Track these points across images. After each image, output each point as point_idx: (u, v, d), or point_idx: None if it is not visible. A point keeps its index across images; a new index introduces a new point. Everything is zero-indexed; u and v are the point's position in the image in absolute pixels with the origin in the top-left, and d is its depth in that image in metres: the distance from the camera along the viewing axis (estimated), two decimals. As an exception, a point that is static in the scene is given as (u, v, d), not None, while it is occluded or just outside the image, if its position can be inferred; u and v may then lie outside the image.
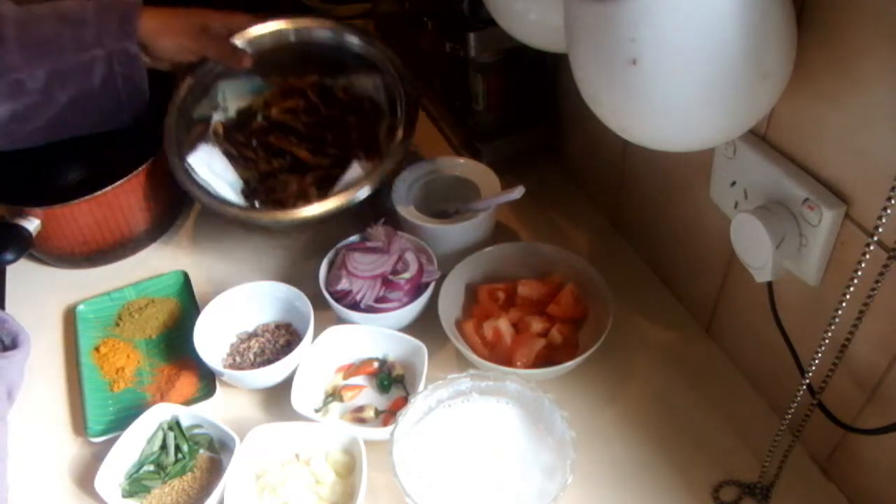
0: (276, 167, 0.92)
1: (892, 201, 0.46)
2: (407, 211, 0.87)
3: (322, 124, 0.93)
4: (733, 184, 0.65)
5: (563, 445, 0.65)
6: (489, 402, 0.70)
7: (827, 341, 0.54)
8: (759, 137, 0.62)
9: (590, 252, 0.93)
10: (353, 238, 0.86)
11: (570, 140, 1.00)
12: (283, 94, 0.94)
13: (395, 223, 0.88)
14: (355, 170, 0.85)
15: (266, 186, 0.90)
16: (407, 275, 0.80)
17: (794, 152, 0.59)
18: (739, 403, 0.75)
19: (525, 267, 0.85)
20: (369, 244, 0.83)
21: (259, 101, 0.94)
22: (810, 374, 0.57)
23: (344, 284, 0.80)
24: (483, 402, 0.70)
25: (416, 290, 0.81)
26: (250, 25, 0.89)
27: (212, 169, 0.88)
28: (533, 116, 1.03)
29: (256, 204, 0.88)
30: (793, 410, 0.59)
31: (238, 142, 0.92)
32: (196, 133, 0.90)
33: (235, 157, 0.91)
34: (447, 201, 0.92)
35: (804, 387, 0.58)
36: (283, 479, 0.68)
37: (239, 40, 0.88)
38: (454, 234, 0.86)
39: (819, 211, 0.56)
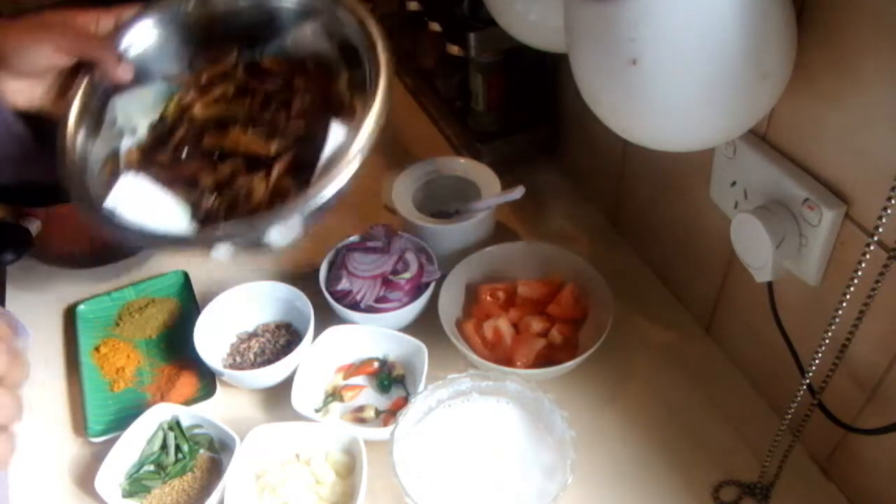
0: (226, 174, 0.68)
1: (892, 201, 0.46)
2: (407, 211, 0.87)
3: (264, 103, 0.71)
4: (733, 184, 0.65)
5: (563, 445, 0.65)
6: (489, 402, 0.70)
7: (827, 341, 0.54)
8: (759, 137, 0.62)
9: (590, 252, 0.93)
10: (353, 238, 0.86)
11: (570, 140, 1.00)
12: (201, 88, 0.72)
13: (395, 223, 0.88)
14: (337, 132, 0.65)
15: (224, 204, 0.67)
16: (407, 275, 0.80)
17: (794, 152, 0.59)
18: (739, 403, 0.75)
19: (525, 267, 0.85)
20: (369, 244, 0.83)
21: (172, 105, 0.72)
22: (810, 374, 0.57)
23: (344, 284, 0.80)
24: (483, 402, 0.70)
25: (417, 290, 0.81)
26: (132, 15, 0.70)
27: (144, 201, 0.66)
28: (533, 116, 1.03)
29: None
30: (793, 410, 0.59)
31: (163, 164, 0.69)
32: (105, 174, 0.68)
33: (168, 183, 0.67)
34: (447, 201, 0.92)
35: (804, 387, 0.58)
36: (283, 479, 0.68)
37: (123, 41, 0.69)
38: (454, 234, 0.86)
39: (819, 211, 0.56)
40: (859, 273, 0.50)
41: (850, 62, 0.51)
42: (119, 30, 0.69)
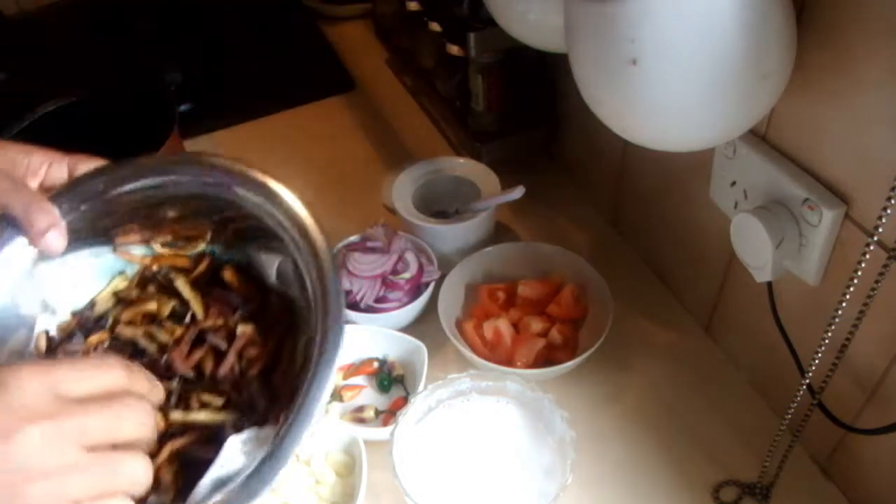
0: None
1: (892, 201, 0.46)
2: (407, 211, 0.87)
3: (199, 341, 0.58)
4: (733, 184, 0.65)
5: (563, 445, 0.65)
6: (489, 402, 0.70)
7: (827, 341, 0.54)
8: (759, 137, 0.62)
9: (590, 252, 0.93)
10: (353, 238, 0.86)
11: (570, 140, 1.00)
12: (145, 280, 0.62)
13: (395, 223, 0.88)
14: (233, 450, 0.51)
15: None
16: (407, 275, 0.80)
17: (794, 152, 0.59)
18: (739, 403, 0.75)
19: (525, 267, 0.85)
20: (369, 244, 0.83)
21: (107, 295, 0.61)
22: (810, 374, 0.57)
23: (344, 284, 0.80)
24: (483, 402, 0.70)
25: (416, 290, 0.81)
26: (82, 168, 0.58)
27: None
28: (533, 116, 1.03)
29: None
30: (793, 410, 0.59)
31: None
32: (4, 355, 0.56)
33: None
34: (447, 201, 0.92)
35: (804, 387, 0.58)
36: (282, 478, 0.68)
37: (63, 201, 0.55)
38: (454, 234, 0.86)
39: (819, 211, 0.56)
40: (859, 273, 0.50)
41: (850, 62, 0.51)
42: (69, 185, 0.56)
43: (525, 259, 0.85)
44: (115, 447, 0.42)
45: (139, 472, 0.42)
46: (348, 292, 0.80)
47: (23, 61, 1.31)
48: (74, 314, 0.60)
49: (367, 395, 0.78)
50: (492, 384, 0.70)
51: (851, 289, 0.51)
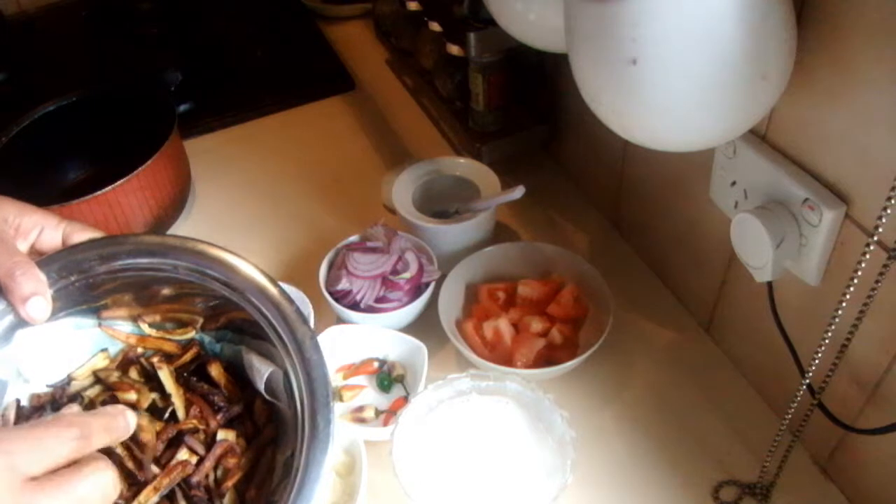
0: None
1: (892, 201, 0.46)
2: (407, 211, 0.87)
3: (175, 443, 0.56)
4: (733, 184, 0.65)
5: (563, 445, 0.65)
6: (489, 402, 0.70)
7: (827, 341, 0.54)
8: (759, 137, 0.62)
9: (590, 252, 0.93)
10: (353, 238, 0.86)
11: (570, 140, 1.00)
12: (125, 364, 0.60)
13: (395, 223, 0.88)
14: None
15: None
16: (407, 275, 0.80)
17: (794, 152, 0.59)
18: (739, 403, 0.75)
19: (525, 267, 0.85)
20: (369, 244, 0.83)
21: (86, 372, 0.59)
22: (810, 374, 0.57)
23: (344, 284, 0.80)
24: (483, 402, 0.70)
25: (416, 290, 0.81)
26: (77, 235, 0.55)
27: None
28: (533, 116, 1.03)
29: None
30: (793, 410, 0.59)
31: None
32: None
33: None
34: (447, 201, 0.92)
35: (804, 387, 0.58)
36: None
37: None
38: (454, 234, 0.86)
39: (819, 211, 0.56)
40: (859, 273, 0.50)
41: (850, 62, 0.51)
42: (62, 253, 0.54)
43: (525, 259, 0.85)
44: None
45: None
46: (348, 292, 0.80)
47: (23, 61, 1.31)
48: (50, 387, 0.58)
49: (368, 395, 0.78)
50: (492, 384, 0.70)
51: (851, 289, 0.51)
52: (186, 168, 1.00)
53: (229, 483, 0.55)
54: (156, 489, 0.53)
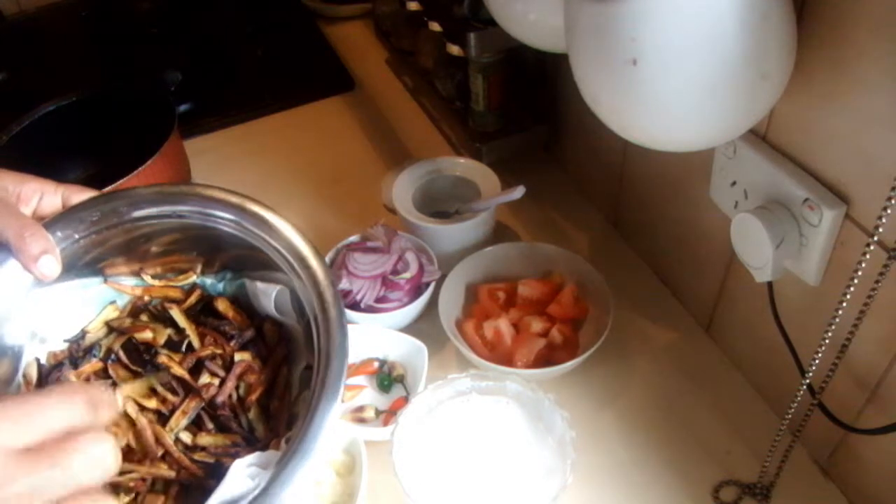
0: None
1: (892, 201, 0.46)
2: (407, 211, 0.87)
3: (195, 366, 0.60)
4: (733, 184, 0.65)
5: (564, 445, 0.65)
6: (489, 402, 0.70)
7: (827, 341, 0.54)
8: (759, 137, 0.62)
9: (590, 252, 0.93)
10: (353, 238, 0.86)
11: (570, 140, 1.00)
12: (137, 310, 0.62)
13: (395, 223, 0.88)
14: (238, 474, 0.51)
15: None
16: (407, 275, 0.80)
17: (794, 152, 0.59)
18: (739, 403, 0.75)
19: (525, 267, 0.85)
20: (369, 244, 0.83)
21: (98, 325, 0.62)
22: (810, 374, 0.57)
23: (344, 284, 0.80)
24: (483, 402, 0.70)
25: (416, 290, 0.81)
26: (76, 198, 0.57)
27: None
28: (533, 116, 1.03)
29: None
30: (793, 410, 0.59)
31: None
32: None
33: None
34: (447, 201, 0.92)
35: (804, 387, 0.58)
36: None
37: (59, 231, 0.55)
38: (454, 234, 0.86)
39: (819, 211, 0.56)
40: (859, 273, 0.50)
41: (850, 62, 0.51)
42: (64, 213, 0.56)
43: (525, 259, 0.85)
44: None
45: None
46: (348, 292, 0.80)
47: (23, 61, 1.31)
48: (66, 342, 0.61)
49: (368, 395, 0.78)
50: (492, 384, 0.70)
51: (851, 289, 0.51)
52: (186, 168, 1.00)
53: (253, 397, 0.58)
54: (184, 412, 0.57)
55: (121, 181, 0.87)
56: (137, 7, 1.37)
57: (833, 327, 0.53)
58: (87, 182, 0.88)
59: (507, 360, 0.75)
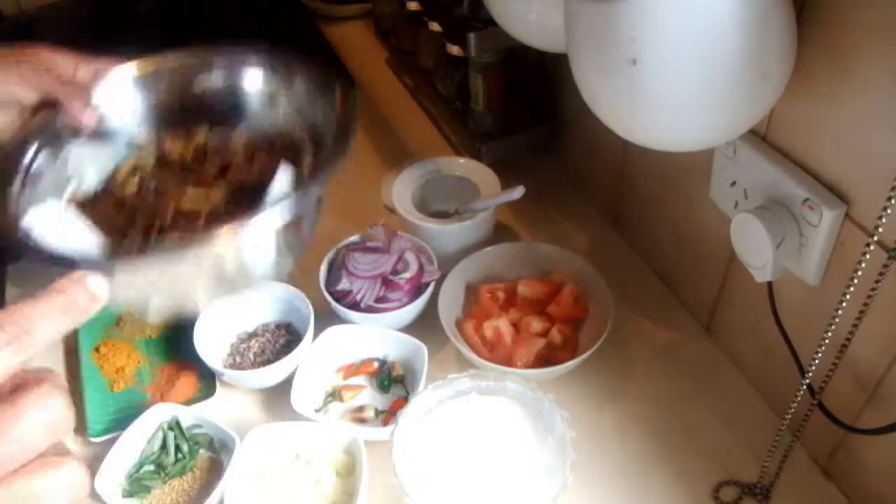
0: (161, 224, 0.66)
1: (892, 201, 0.46)
2: (407, 211, 0.87)
3: (220, 172, 0.68)
4: (733, 184, 0.65)
5: (564, 445, 0.65)
6: (489, 402, 0.70)
7: (827, 341, 0.54)
8: (759, 137, 0.62)
9: (590, 252, 0.93)
10: (353, 238, 0.86)
11: (570, 140, 1.00)
12: (160, 157, 0.71)
13: (395, 223, 0.88)
14: (283, 177, 0.62)
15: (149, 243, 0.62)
16: (407, 275, 0.80)
17: (794, 152, 0.59)
18: (739, 403, 0.75)
19: (525, 267, 0.85)
20: (369, 244, 0.83)
21: (126, 167, 0.70)
22: (810, 374, 0.57)
23: (344, 284, 0.80)
24: (483, 402, 0.70)
25: (416, 290, 0.81)
26: (108, 69, 0.67)
27: (63, 228, 0.61)
28: (533, 116, 1.03)
29: None
30: (793, 410, 0.59)
31: (101, 214, 0.66)
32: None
33: (104, 226, 0.64)
34: (447, 201, 0.92)
35: (804, 387, 0.58)
36: (283, 479, 0.68)
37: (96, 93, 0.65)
38: (454, 234, 0.86)
39: (819, 211, 0.56)
40: (859, 273, 0.50)
41: (850, 62, 0.51)
42: (95, 80, 0.65)
43: (525, 259, 0.85)
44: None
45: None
46: (348, 292, 0.80)
47: (23, 61, 1.30)
48: (100, 183, 0.66)
49: (368, 395, 0.78)
50: (492, 384, 0.70)
51: (851, 289, 0.51)
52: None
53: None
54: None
55: (121, 181, 0.87)
56: (137, 7, 1.37)
57: (833, 327, 0.53)
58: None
59: (506, 360, 0.75)
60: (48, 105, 0.63)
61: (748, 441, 0.72)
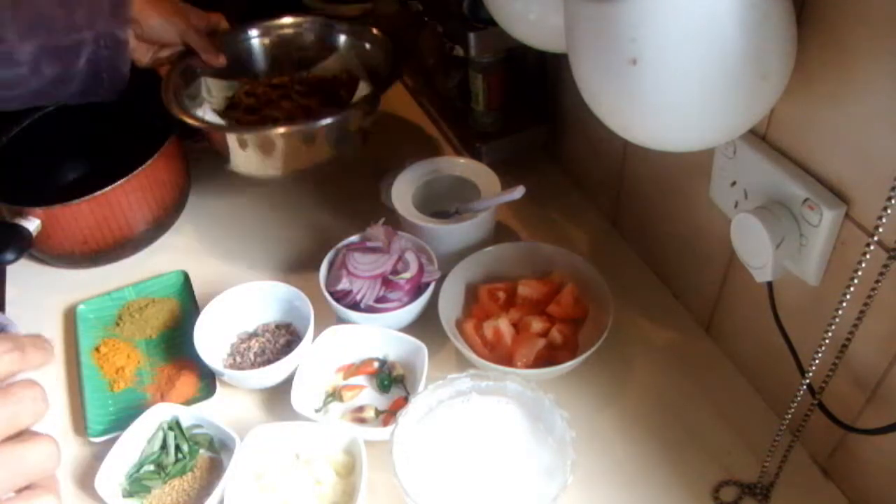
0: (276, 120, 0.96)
1: (892, 201, 0.46)
2: (407, 211, 0.87)
3: (310, 93, 1.00)
4: (733, 184, 0.65)
5: (563, 446, 0.65)
6: (489, 402, 0.70)
7: (827, 341, 0.54)
8: (759, 137, 0.62)
9: (590, 252, 0.93)
10: (353, 238, 0.86)
11: (570, 140, 1.00)
12: (263, 86, 1.01)
13: (395, 223, 0.88)
14: (363, 88, 0.94)
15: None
16: (407, 275, 0.80)
17: (794, 152, 0.59)
18: (739, 403, 0.75)
19: (525, 267, 0.85)
20: (369, 244, 0.83)
21: (241, 91, 1.00)
22: (810, 374, 0.57)
23: (344, 284, 0.80)
24: (483, 402, 0.70)
25: (416, 290, 0.81)
26: (223, 24, 0.96)
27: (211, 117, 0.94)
28: (533, 116, 1.03)
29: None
30: (793, 410, 0.59)
31: (231, 117, 0.96)
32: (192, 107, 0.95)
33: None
34: (447, 201, 0.92)
35: (804, 387, 0.58)
36: (283, 479, 0.68)
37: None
38: (454, 234, 0.86)
39: (819, 211, 0.56)
40: (859, 273, 0.50)
41: (850, 62, 0.51)
42: (218, 33, 0.96)
43: (525, 259, 0.85)
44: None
45: (46, 458, 0.41)
46: (348, 292, 0.80)
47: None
48: (225, 100, 0.99)
49: (368, 395, 0.78)
50: (492, 384, 0.70)
51: (851, 289, 0.51)
52: (186, 169, 1.00)
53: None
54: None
55: (121, 181, 0.87)
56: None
57: (833, 327, 0.53)
58: (87, 182, 0.89)
59: (506, 360, 0.75)
60: (187, 50, 0.93)
61: (748, 441, 0.72)
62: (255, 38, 1.02)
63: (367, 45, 0.99)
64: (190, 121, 0.87)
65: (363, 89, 0.93)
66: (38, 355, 0.44)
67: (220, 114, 0.97)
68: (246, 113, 0.97)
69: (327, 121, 0.84)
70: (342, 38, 1.01)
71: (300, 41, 1.02)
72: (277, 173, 0.89)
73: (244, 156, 0.88)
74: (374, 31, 0.99)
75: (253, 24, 1.02)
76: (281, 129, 0.85)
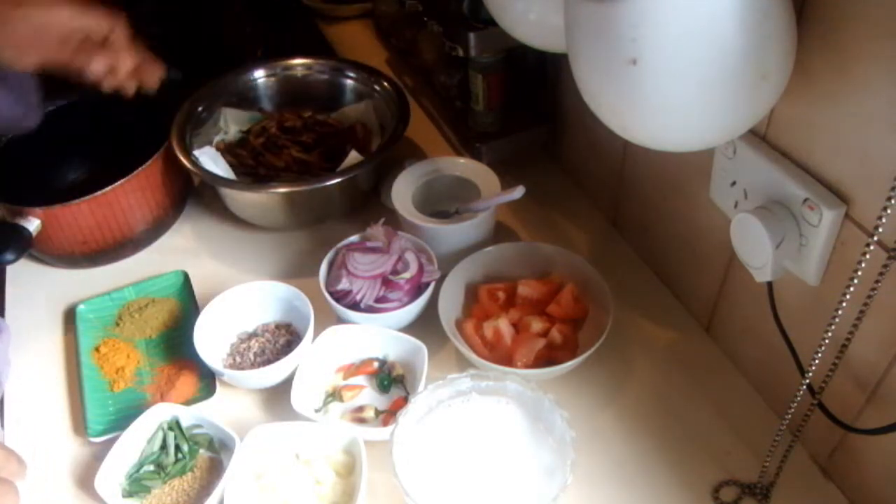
0: (276, 169, 0.99)
1: (892, 201, 0.46)
2: (407, 211, 0.87)
3: (319, 141, 1.03)
4: (733, 184, 0.65)
5: (563, 445, 0.65)
6: (489, 402, 0.70)
7: (827, 341, 0.54)
8: (759, 137, 0.62)
9: (590, 252, 0.93)
10: (353, 238, 0.86)
11: (570, 140, 1.00)
12: (280, 120, 1.05)
13: (395, 223, 0.88)
14: (353, 155, 0.94)
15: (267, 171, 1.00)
16: (407, 275, 0.80)
17: (794, 152, 0.59)
18: (739, 403, 0.75)
19: (525, 267, 0.85)
20: (369, 244, 0.83)
21: (258, 126, 1.05)
22: (810, 374, 0.57)
23: (344, 284, 0.80)
24: (483, 402, 0.70)
25: (416, 290, 0.81)
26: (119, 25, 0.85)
27: (215, 164, 0.95)
28: (533, 116, 1.03)
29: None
30: (793, 410, 0.59)
31: (238, 154, 1.00)
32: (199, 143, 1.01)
33: (235, 166, 0.98)
34: (447, 201, 0.92)
35: (804, 387, 0.58)
36: (283, 479, 0.68)
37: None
38: (454, 234, 0.86)
39: (819, 211, 0.56)
40: (859, 273, 0.50)
41: (850, 62, 0.51)
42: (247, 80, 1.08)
43: (525, 259, 0.85)
44: None
45: None
46: (348, 292, 0.80)
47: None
48: (239, 132, 1.06)
49: (368, 395, 0.78)
50: (492, 384, 0.70)
51: (851, 289, 0.51)
52: (186, 168, 1.00)
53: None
54: None
55: (121, 181, 0.87)
56: (137, 7, 1.37)
57: (833, 327, 0.53)
58: (87, 182, 0.89)
59: (506, 360, 0.75)
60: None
61: (748, 441, 0.72)
62: (272, 76, 1.08)
63: (377, 97, 1.03)
64: (185, 162, 0.92)
65: (353, 158, 0.93)
66: (15, 465, 0.44)
67: (231, 146, 1.02)
68: (251, 154, 1.00)
69: (303, 188, 0.89)
70: (354, 86, 1.07)
71: (318, 82, 1.09)
72: (255, 222, 0.96)
73: (230, 198, 0.96)
74: (385, 83, 1.03)
75: (269, 63, 1.09)
76: (260, 193, 0.92)
